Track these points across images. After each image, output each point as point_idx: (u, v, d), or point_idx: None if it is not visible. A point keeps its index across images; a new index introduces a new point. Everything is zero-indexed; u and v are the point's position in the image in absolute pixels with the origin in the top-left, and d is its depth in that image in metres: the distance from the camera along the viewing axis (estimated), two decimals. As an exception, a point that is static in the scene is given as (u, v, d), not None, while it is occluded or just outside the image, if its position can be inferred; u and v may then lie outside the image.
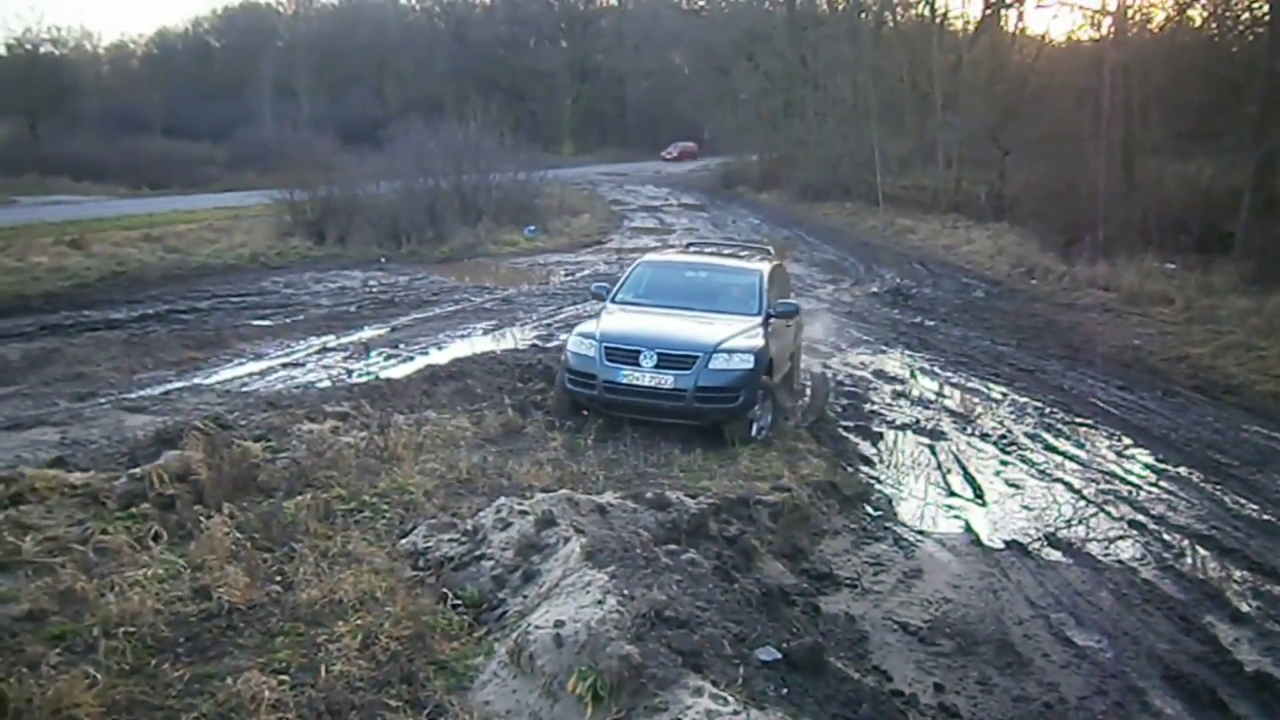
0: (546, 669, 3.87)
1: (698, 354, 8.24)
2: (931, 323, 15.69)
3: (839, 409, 10.55)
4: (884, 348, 13.78)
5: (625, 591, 4.20)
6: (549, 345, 12.16)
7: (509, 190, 24.85)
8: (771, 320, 9.19)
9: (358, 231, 21.83)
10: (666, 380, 8.15)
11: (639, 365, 8.20)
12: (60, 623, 4.33)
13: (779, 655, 4.24)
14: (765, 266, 9.94)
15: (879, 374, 12.24)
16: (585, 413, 8.66)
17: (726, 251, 11.15)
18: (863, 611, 5.88)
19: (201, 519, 5.55)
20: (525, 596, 4.63)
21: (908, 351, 13.61)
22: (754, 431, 8.52)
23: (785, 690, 4.03)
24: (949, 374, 12.37)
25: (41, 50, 50.32)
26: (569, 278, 19.08)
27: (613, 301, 9.46)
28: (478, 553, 5.14)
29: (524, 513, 5.40)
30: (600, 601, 4.10)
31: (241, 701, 3.66)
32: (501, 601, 4.68)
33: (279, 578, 4.88)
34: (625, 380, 8.21)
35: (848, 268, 21.71)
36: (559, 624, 4.01)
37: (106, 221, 24.15)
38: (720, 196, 38.25)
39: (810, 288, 18.64)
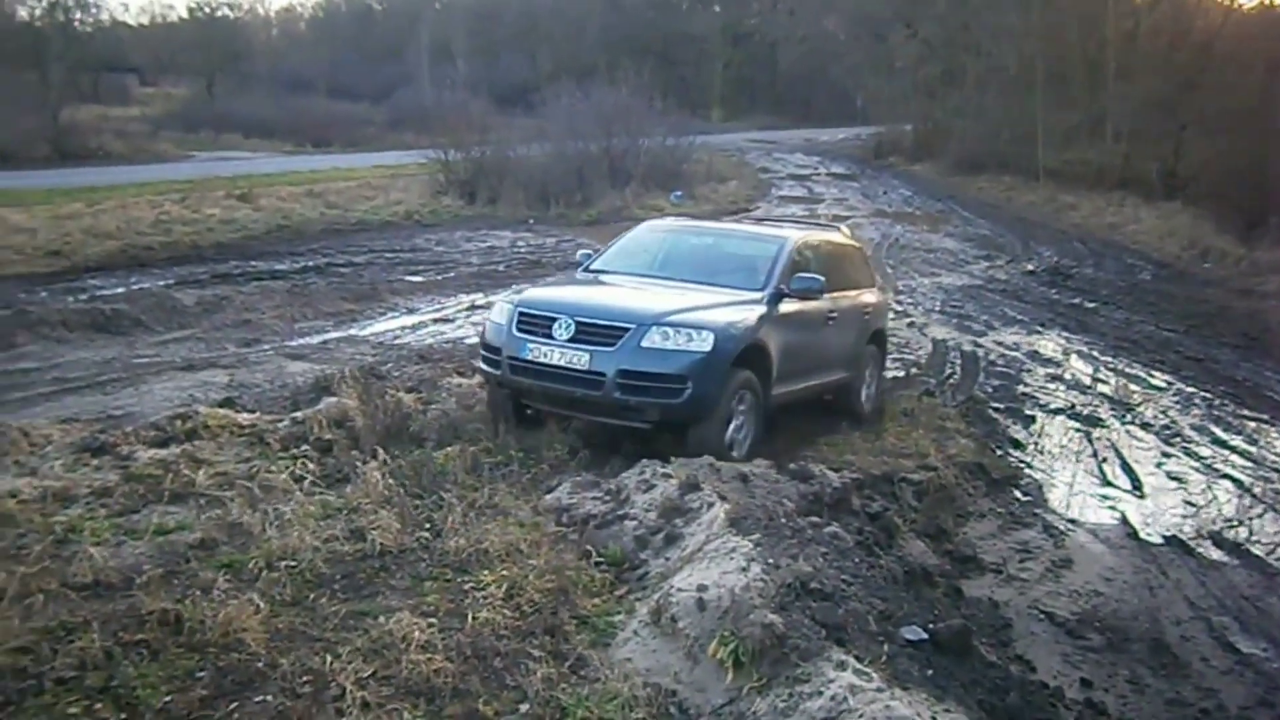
0: (688, 631, 3.88)
1: (627, 326, 6.28)
2: (1092, 304, 14.98)
3: (989, 389, 10.19)
4: (1039, 328, 13.23)
5: (770, 560, 4.17)
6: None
7: (656, 155, 24.85)
8: (785, 301, 7.07)
9: (507, 193, 22.22)
10: (580, 359, 6.22)
11: (551, 337, 6.35)
12: (229, 553, 4.59)
13: (925, 635, 4.14)
14: (794, 236, 7.79)
15: (1033, 355, 11.77)
16: (529, 411, 6.97)
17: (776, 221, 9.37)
18: (1007, 598, 5.69)
19: (357, 464, 5.79)
20: (667, 558, 4.65)
21: (1065, 333, 13.04)
22: (727, 444, 6.46)
23: (929, 671, 3.94)
24: (1109, 359, 11.78)
25: (218, 14, 53.06)
26: (713, 245, 18.99)
27: (585, 270, 7.79)
28: (620, 512, 5.19)
29: (667, 475, 5.42)
30: (744, 568, 4.08)
31: (393, 640, 3.79)
32: (643, 562, 4.71)
33: (428, 525, 5.03)
34: (529, 356, 6.38)
35: (1003, 244, 20.88)
36: (702, 588, 4.01)
37: (273, 177, 25.28)
38: (871, 167, 37.31)
39: (962, 263, 18.06)
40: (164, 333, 10.14)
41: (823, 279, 7.24)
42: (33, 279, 12.66)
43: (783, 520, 4.75)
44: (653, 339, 6.23)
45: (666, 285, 7.19)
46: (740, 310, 6.75)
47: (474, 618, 4.05)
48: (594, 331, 6.30)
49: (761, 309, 6.89)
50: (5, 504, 4.90)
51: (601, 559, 4.77)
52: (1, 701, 3.37)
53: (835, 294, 7.81)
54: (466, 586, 4.36)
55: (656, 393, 6.18)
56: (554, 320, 6.40)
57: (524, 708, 3.52)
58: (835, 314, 7.83)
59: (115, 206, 18.98)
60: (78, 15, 39.02)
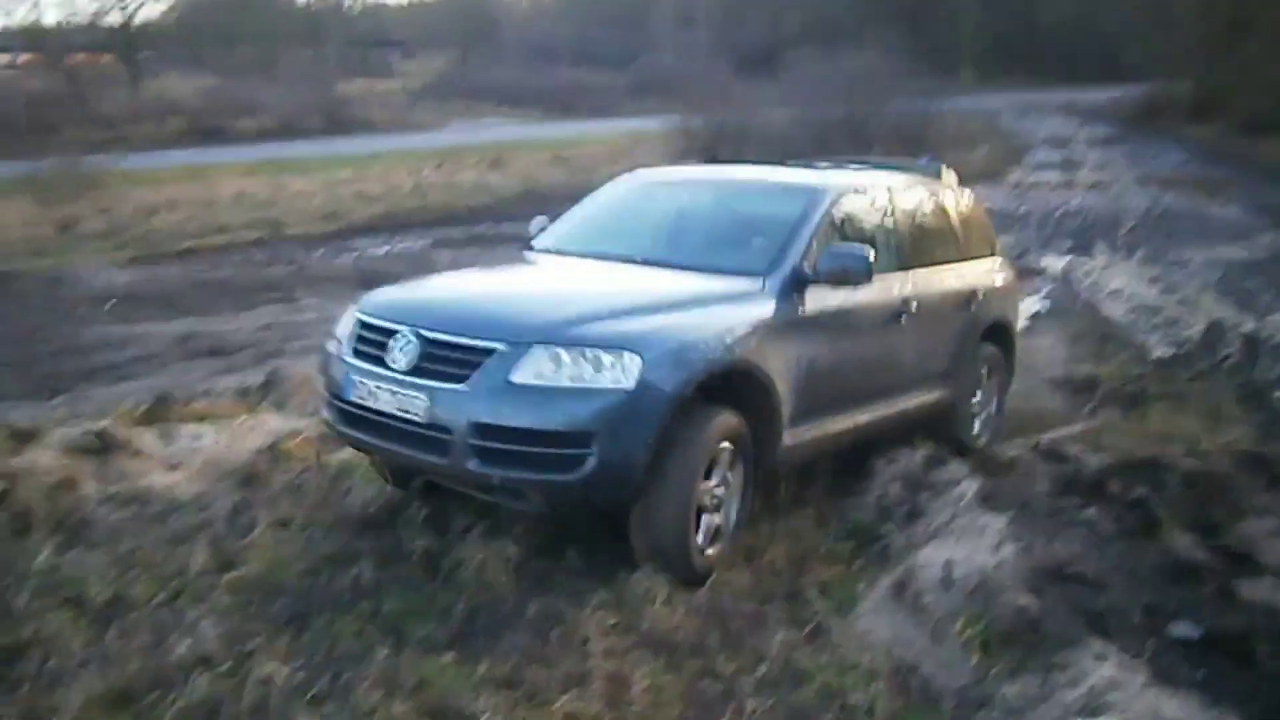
0: (933, 608, 3.76)
1: (490, 345, 3.94)
2: None
3: (1276, 375, 9.23)
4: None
5: (1023, 540, 3.97)
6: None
7: (902, 119, 24.01)
8: (811, 290, 4.61)
9: (748, 158, 22.18)
10: (415, 403, 3.97)
11: (383, 364, 4.14)
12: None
13: (1198, 634, 3.82)
14: (838, 184, 5.22)
15: (1329, 337, 10.54)
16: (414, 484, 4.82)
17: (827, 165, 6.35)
18: (1292, 604, 5.15)
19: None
20: (910, 533, 4.51)
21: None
22: (696, 543, 4.10)
23: (1202, 674, 3.63)
24: None
25: (474, -12, 55.81)
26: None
27: (532, 248, 5.52)
28: (861, 483, 5.09)
29: (912, 449, 5.25)
30: (995, 548, 3.91)
31: (636, 594, 3.86)
32: (885, 535, 4.59)
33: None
34: (354, 397, 4.22)
35: (1298, 216, 18.81)
36: (949, 565, 3.87)
37: (521, 144, 26.41)
38: (1140, 129, 34.50)
39: (1245, 235, 16.41)
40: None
41: (867, 253, 4.60)
42: (309, 239, 13.87)
43: (1039, 500, 4.50)
44: (532, 367, 3.84)
45: (622, 271, 4.81)
46: (716, 311, 4.31)
47: (715, 579, 4.08)
48: (442, 355, 4.00)
49: (758, 306, 4.41)
50: (288, 443, 5.39)
51: (842, 529, 4.69)
52: (289, 616, 3.71)
53: (913, 273, 5.39)
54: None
55: (536, 462, 3.80)
56: (394, 333, 4.16)
57: (762, 669, 3.52)
58: (913, 304, 5.27)
59: (379, 173, 20.45)
60: (348, -1, 42.01)
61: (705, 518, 4.16)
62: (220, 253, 12.96)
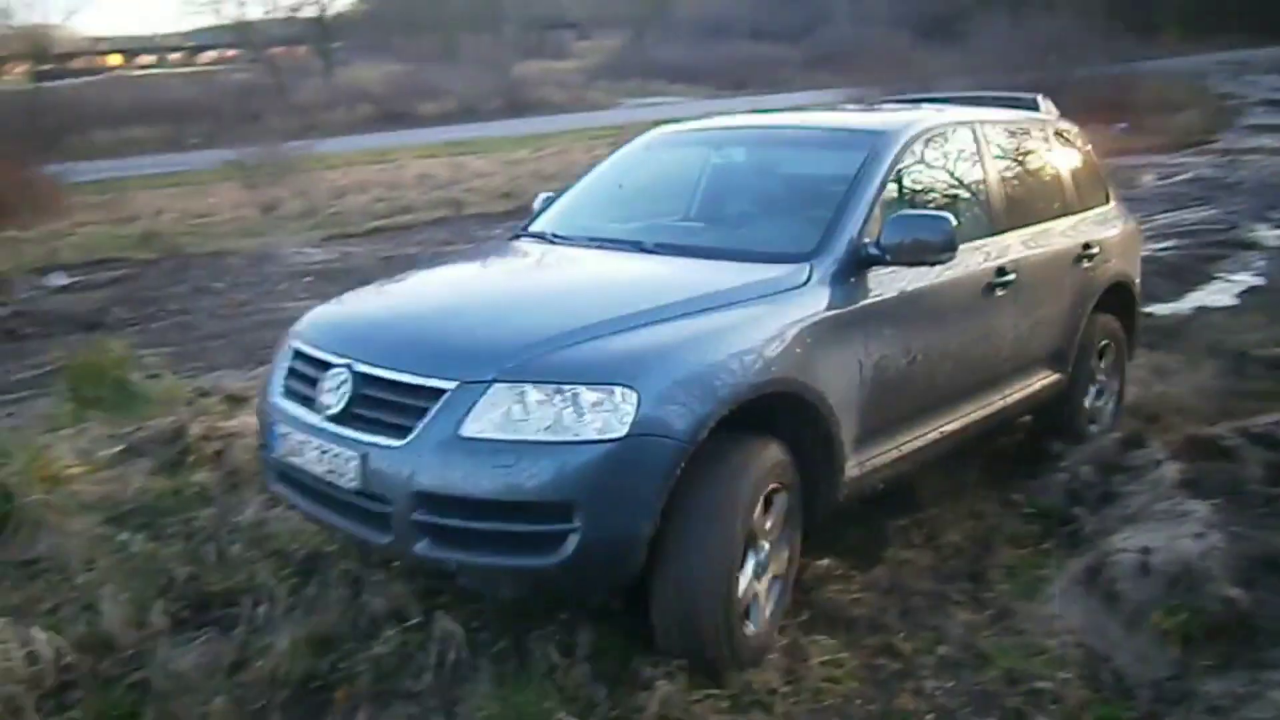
0: (1128, 596, 3.54)
1: (438, 384, 2.98)
2: None
3: None
4: None
5: (1233, 528, 3.69)
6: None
7: (1097, 84, 22.68)
8: (873, 272, 3.61)
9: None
10: (345, 463, 3.08)
11: (311, 406, 3.28)
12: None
13: None
14: (907, 127, 4.11)
15: None
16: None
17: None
18: None
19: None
20: (1103, 516, 4.27)
21: None
22: (738, 620, 3.11)
23: None
24: None
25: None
26: (1162, 181, 17.01)
27: (525, 232, 4.48)
28: (1047, 464, 4.85)
29: (1107, 430, 4.98)
30: (1200, 535, 3.64)
31: (812, 571, 3.82)
32: (1074, 518, 4.36)
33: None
34: (280, 451, 3.38)
35: None
36: (1146, 551, 3.64)
37: (690, 119, 26.38)
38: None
39: None
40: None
41: (948, 222, 3.56)
42: (487, 218, 14.32)
43: (1252, 486, 4.18)
44: (490, 413, 2.89)
45: (627, 264, 3.83)
46: (746, 314, 3.25)
47: (893, 556, 3.99)
48: (378, 397, 3.08)
49: (804, 301, 3.38)
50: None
51: (1028, 510, 4.49)
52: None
53: (1011, 234, 4.40)
54: (884, 523, 4.30)
55: (500, 543, 2.90)
56: (328, 368, 3.24)
57: (942, 649, 3.42)
58: (1010, 274, 4.26)
59: (555, 151, 20.89)
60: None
61: (746, 583, 3.14)
62: (405, 231, 13.57)
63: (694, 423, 2.91)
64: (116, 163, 20.68)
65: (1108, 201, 5.33)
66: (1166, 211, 13.88)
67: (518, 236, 4.49)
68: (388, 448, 2.97)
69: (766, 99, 32.50)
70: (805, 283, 3.43)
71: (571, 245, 4.13)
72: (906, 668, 3.31)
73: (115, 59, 50.56)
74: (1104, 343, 5.14)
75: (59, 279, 10.38)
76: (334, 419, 3.13)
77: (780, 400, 3.23)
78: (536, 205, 4.78)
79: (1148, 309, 8.20)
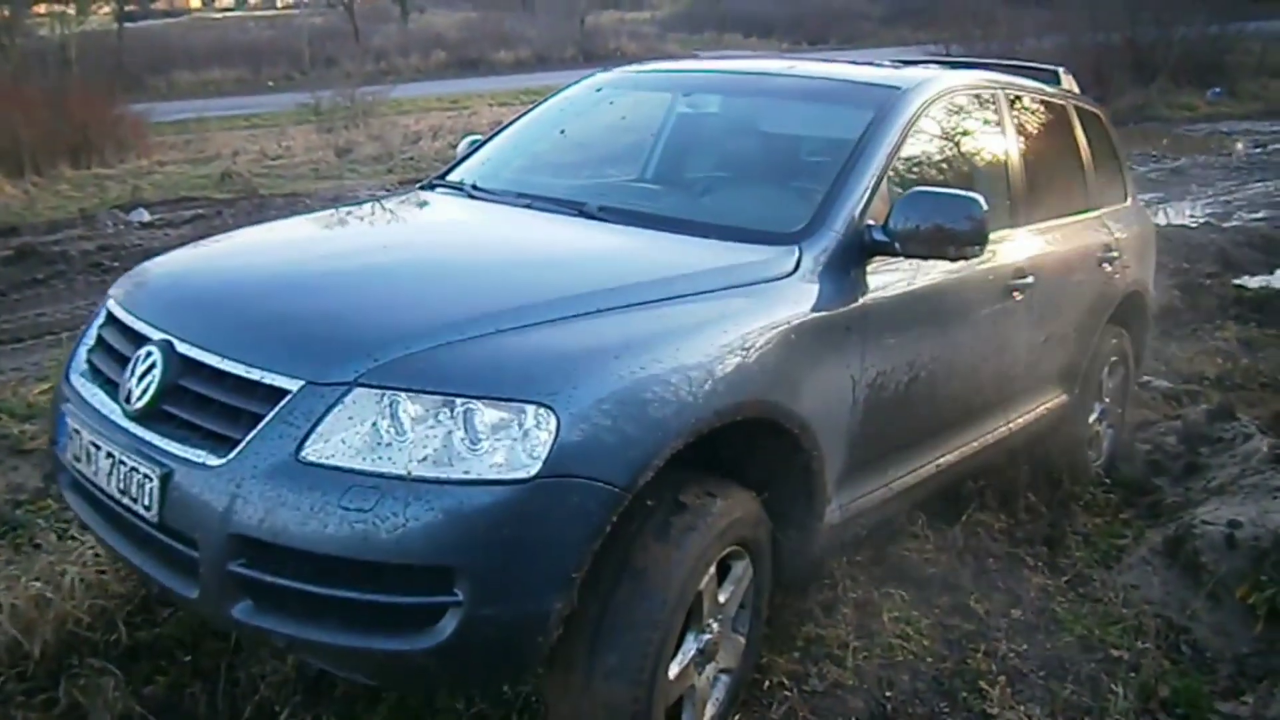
0: (1211, 569, 3.46)
1: (278, 381, 2.08)
2: None
3: None
4: None
5: (1328, 506, 3.58)
6: (1225, 225, 10.60)
7: (1194, 46, 21.84)
8: (874, 264, 2.80)
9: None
10: (141, 479, 2.16)
11: (114, 395, 2.36)
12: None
13: None
14: (921, 86, 3.26)
15: None
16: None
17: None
18: None
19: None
20: (1187, 488, 4.17)
21: None
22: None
23: None
24: None
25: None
26: (1257, 149, 16.40)
27: (441, 181, 3.58)
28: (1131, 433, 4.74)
29: (1194, 401, 4.84)
30: (1292, 510, 3.54)
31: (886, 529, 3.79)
32: (1156, 489, 4.27)
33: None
34: (68, 453, 2.45)
35: None
36: (1233, 524, 3.55)
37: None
38: None
39: None
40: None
41: (979, 205, 2.74)
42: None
43: (1348, 462, 4.04)
44: (345, 430, 2.01)
45: (560, 230, 2.93)
46: (712, 310, 2.42)
47: (968, 517, 3.93)
48: (197, 392, 2.22)
49: (787, 296, 2.58)
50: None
51: (1107, 479, 4.40)
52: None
53: (1032, 227, 3.66)
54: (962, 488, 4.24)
55: (349, 617, 1.99)
56: (141, 344, 2.36)
57: (1016, 612, 3.38)
58: (1031, 275, 3.51)
59: (631, 102, 20.67)
60: (604, -73, 42.67)
61: (678, 673, 2.31)
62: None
63: (635, 460, 2.06)
64: (196, 103, 20.94)
65: (1127, 198, 4.63)
66: (1260, 181, 13.38)
67: (430, 186, 3.56)
68: (199, 466, 2.07)
69: (844, 53, 31.88)
70: (792, 272, 2.62)
71: (495, 201, 3.21)
72: (979, 629, 3.26)
73: (196, 1, 51.29)
74: (1113, 359, 4.44)
75: (141, 216, 10.58)
76: (137, 416, 2.23)
77: (751, 429, 2.41)
78: (460, 149, 3.86)
79: (1237, 280, 7.98)
